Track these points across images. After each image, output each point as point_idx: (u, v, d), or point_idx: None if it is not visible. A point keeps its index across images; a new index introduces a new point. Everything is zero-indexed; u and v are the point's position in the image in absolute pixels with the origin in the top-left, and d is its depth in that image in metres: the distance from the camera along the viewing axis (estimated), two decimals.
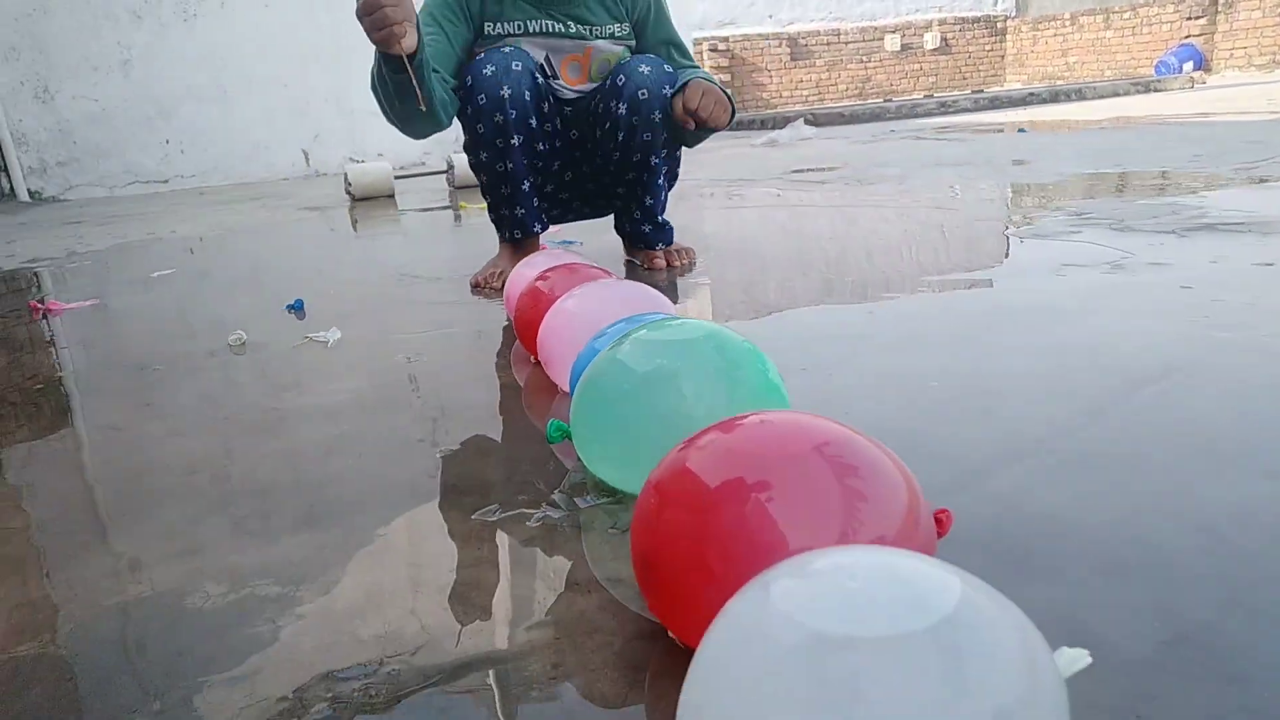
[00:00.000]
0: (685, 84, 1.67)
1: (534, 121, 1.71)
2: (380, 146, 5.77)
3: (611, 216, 1.98)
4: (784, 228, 2.39)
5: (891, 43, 14.28)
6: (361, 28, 1.41)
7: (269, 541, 0.78)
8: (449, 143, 5.94)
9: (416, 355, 1.36)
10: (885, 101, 9.19)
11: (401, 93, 1.51)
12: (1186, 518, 0.68)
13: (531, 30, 1.73)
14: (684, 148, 1.87)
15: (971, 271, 1.60)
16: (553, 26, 1.74)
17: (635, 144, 1.75)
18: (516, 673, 0.56)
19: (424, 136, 1.62)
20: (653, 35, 1.83)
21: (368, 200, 4.09)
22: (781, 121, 7.27)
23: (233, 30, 5.35)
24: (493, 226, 1.90)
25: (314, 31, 5.54)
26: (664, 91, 1.70)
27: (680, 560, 0.53)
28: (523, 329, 1.25)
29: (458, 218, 3.37)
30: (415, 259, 2.46)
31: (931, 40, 14.51)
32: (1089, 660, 0.48)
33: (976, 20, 15.01)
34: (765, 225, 2.46)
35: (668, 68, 1.72)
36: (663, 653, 0.57)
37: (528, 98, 1.67)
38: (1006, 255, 1.75)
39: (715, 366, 0.78)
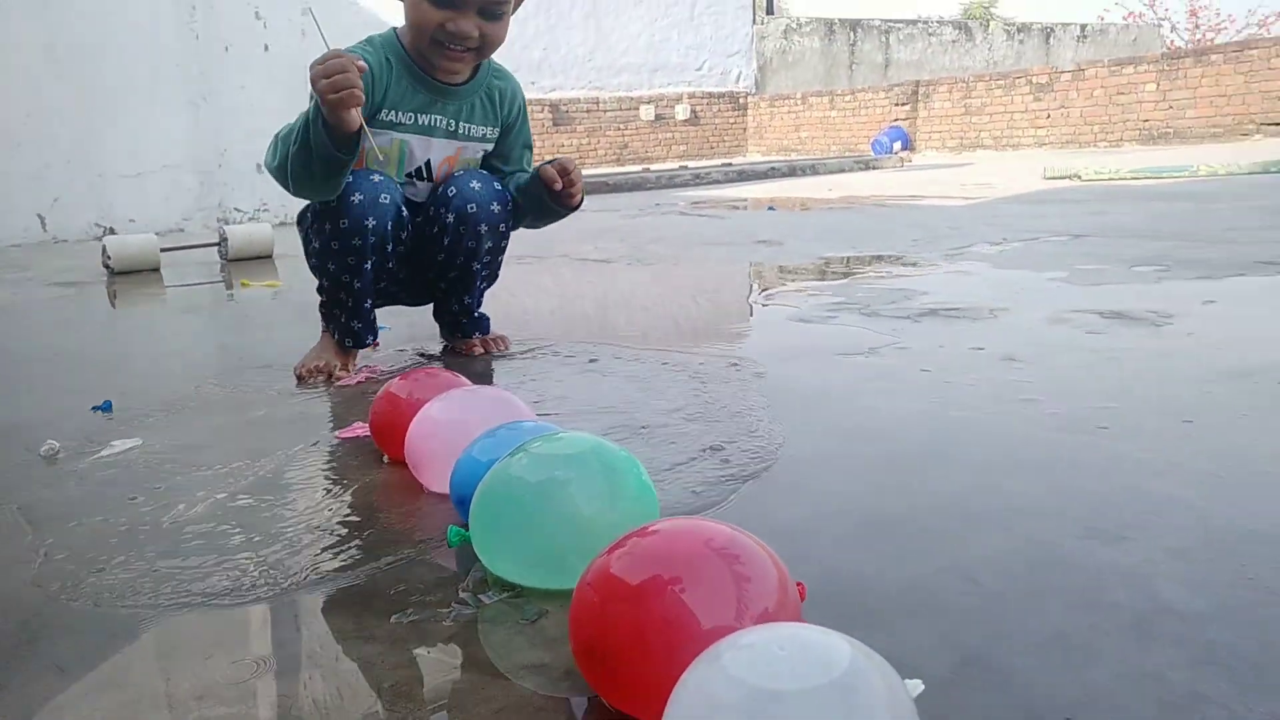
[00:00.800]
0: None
1: (390, 247, 1.81)
2: (131, 212, 5.40)
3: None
4: (579, 312, 2.59)
5: (646, 113, 15.31)
6: (315, 87, 1.48)
7: (193, 665, 0.83)
8: (211, 208, 5.67)
9: (258, 455, 1.40)
10: (644, 171, 9.81)
11: (329, 161, 1.58)
12: (954, 570, 0.92)
13: (421, 124, 1.82)
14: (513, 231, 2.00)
15: (760, 356, 1.86)
16: (438, 123, 1.84)
17: (460, 250, 1.88)
18: None
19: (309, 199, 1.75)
20: (515, 139, 1.98)
21: (129, 275, 3.84)
22: None
23: None
24: (316, 314, 1.95)
25: (56, 85, 5.12)
26: (492, 207, 1.86)
27: (623, 644, 0.68)
28: (380, 431, 1.34)
29: (231, 296, 3.29)
30: (213, 345, 2.40)
31: (682, 112, 15.70)
32: (922, 686, 0.69)
33: (721, 95, 16.43)
34: (560, 310, 2.65)
35: (496, 184, 1.88)
36: None
37: (389, 229, 1.76)
38: (784, 339, 2.04)
39: (600, 475, 0.93)
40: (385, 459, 1.36)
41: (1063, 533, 0.99)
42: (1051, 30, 22.32)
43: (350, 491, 1.25)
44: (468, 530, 0.98)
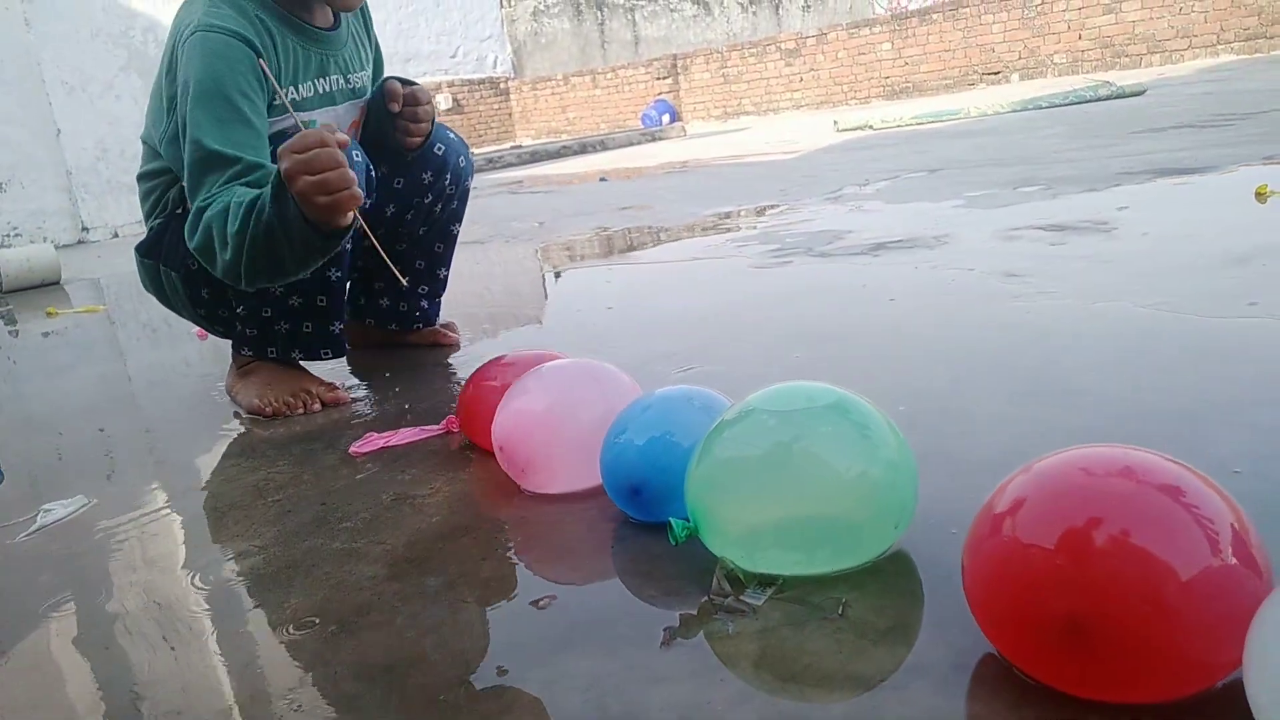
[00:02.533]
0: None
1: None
2: None
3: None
4: (506, 290, 2.35)
5: None
6: (294, 187, 1.08)
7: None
8: None
9: (328, 497, 1.09)
10: None
11: (315, 252, 1.18)
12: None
13: (323, 93, 1.42)
14: None
15: (785, 295, 1.74)
16: (337, 85, 1.45)
17: (447, 214, 1.62)
18: None
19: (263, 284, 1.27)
20: (379, 60, 1.61)
21: None
22: None
23: None
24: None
25: None
26: (470, 155, 1.59)
27: (1129, 611, 0.53)
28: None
29: (15, 331, 2.73)
30: (75, 382, 1.94)
31: (444, 101, 15.13)
32: None
33: (482, 82, 16.02)
34: (479, 295, 2.39)
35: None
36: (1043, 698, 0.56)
37: (364, 197, 1.39)
38: (779, 287, 1.93)
39: (855, 430, 0.76)
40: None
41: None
42: (780, 2, 23.76)
43: (453, 514, 0.99)
44: (688, 521, 0.78)
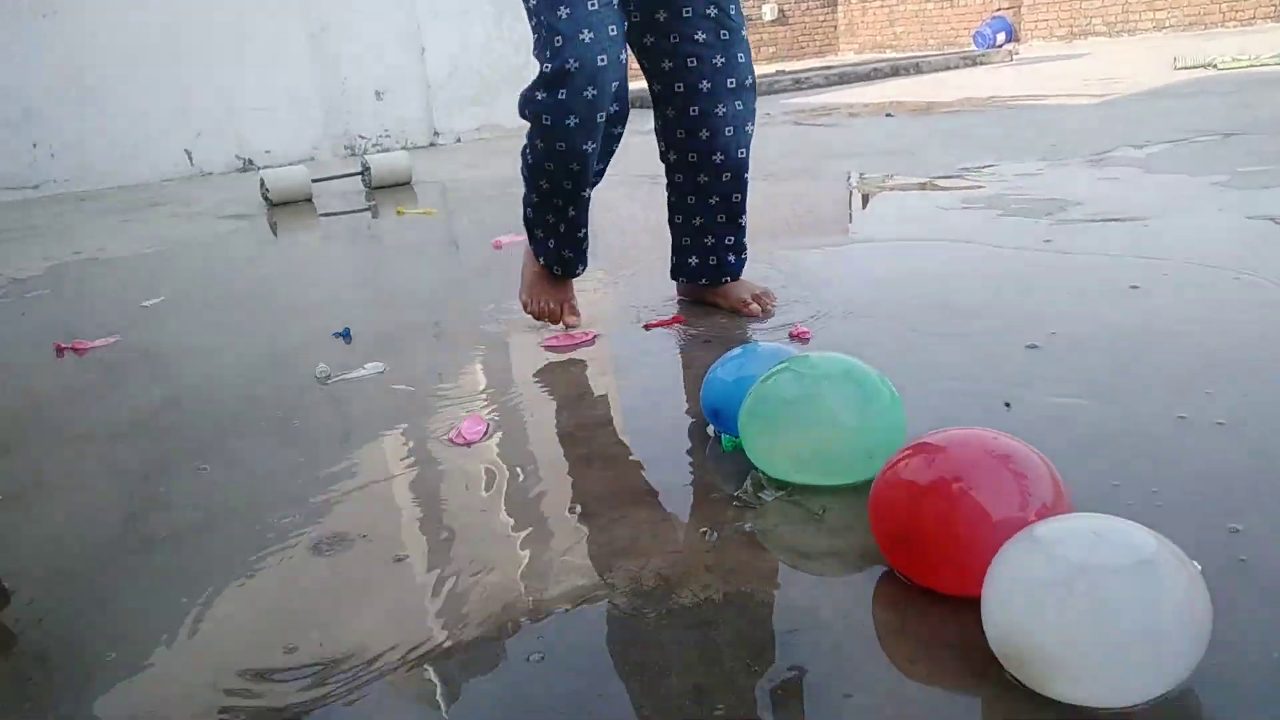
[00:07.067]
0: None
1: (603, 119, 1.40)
2: (266, 144, 5.68)
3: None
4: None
5: None
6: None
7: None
8: (338, 136, 5.90)
9: (512, 392, 1.58)
10: None
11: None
12: None
13: None
14: None
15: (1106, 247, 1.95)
16: None
17: (740, 141, 1.56)
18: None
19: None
20: None
21: (285, 205, 4.10)
22: None
23: (99, 27, 5.11)
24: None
25: (191, 28, 5.37)
26: (755, 71, 1.57)
27: (932, 533, 0.82)
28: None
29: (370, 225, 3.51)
30: (401, 273, 2.61)
31: (770, 12, 15.18)
32: (1200, 568, 0.81)
33: None
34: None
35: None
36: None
37: (617, 85, 1.36)
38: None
39: (858, 387, 1.07)
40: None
41: None
42: None
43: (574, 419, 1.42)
44: (735, 437, 1.14)
